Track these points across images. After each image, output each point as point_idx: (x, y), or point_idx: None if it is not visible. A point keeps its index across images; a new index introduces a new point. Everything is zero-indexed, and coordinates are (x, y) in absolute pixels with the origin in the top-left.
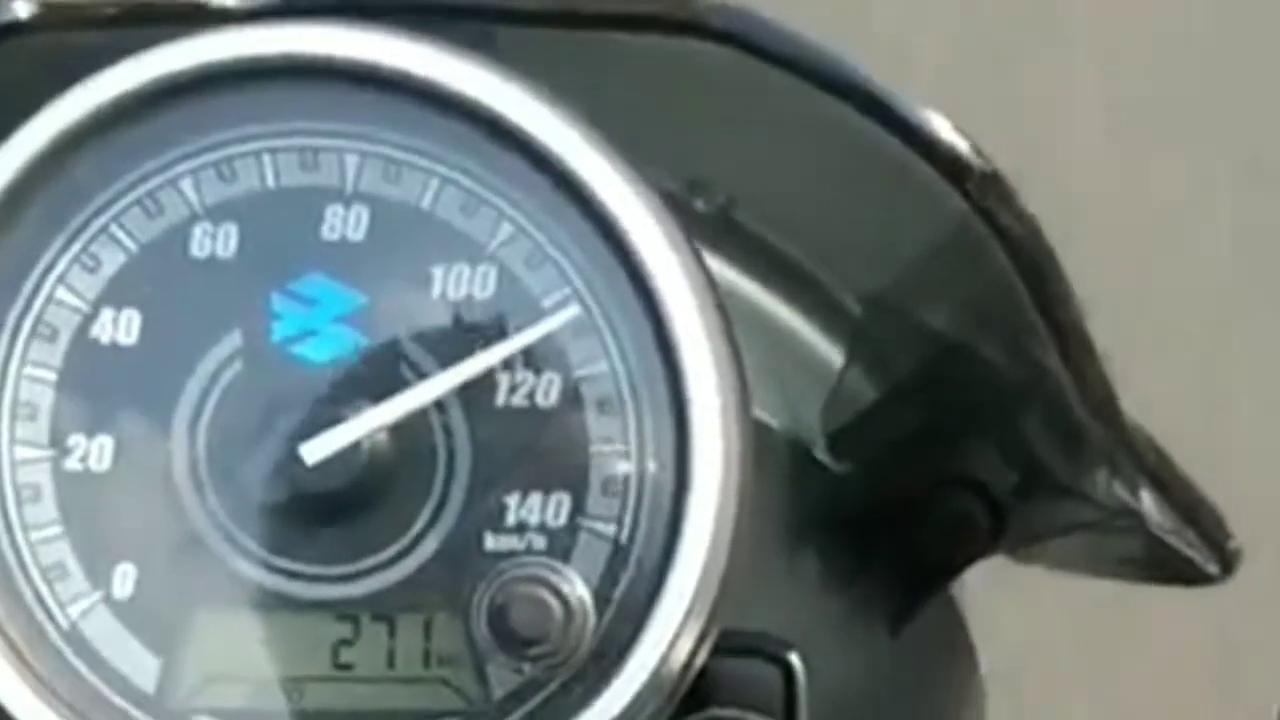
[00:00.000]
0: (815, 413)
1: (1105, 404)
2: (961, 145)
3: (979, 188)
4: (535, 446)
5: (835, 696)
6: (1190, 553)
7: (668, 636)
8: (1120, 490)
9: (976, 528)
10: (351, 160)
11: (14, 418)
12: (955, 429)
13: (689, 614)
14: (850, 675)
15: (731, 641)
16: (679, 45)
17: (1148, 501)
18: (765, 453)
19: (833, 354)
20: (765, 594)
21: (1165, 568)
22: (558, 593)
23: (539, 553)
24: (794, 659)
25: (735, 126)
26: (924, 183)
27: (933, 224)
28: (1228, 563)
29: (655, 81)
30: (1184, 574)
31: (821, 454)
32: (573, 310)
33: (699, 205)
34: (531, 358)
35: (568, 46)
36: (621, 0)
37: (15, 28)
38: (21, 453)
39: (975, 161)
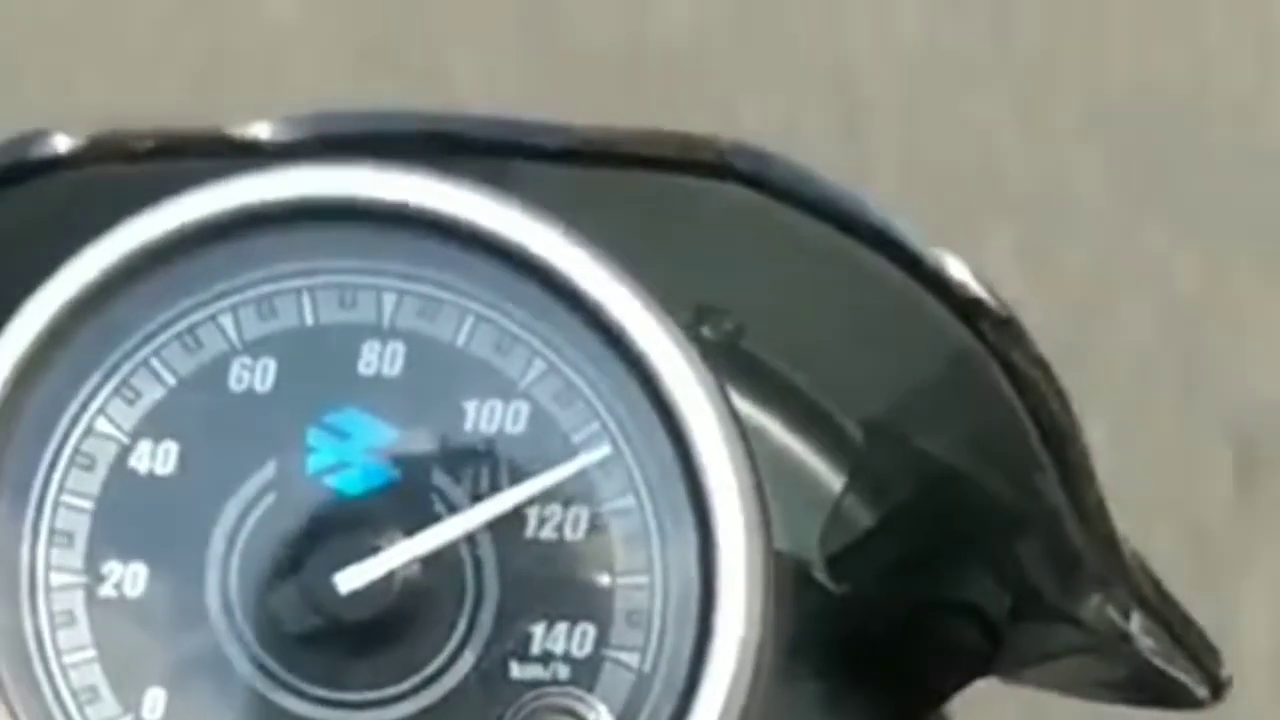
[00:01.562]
0: (815, 535)
1: (1105, 535)
2: (977, 289)
3: (994, 330)
4: (562, 578)
5: None
6: (1181, 677)
7: None
8: (1113, 614)
9: (971, 651)
10: (389, 298)
11: (50, 544)
12: (951, 554)
13: None
14: None
15: None
16: (696, 183)
17: (1139, 625)
18: None
19: (833, 479)
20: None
21: (1154, 691)
22: None
23: (564, 682)
24: None
25: (742, 254)
26: (930, 316)
27: (936, 355)
28: (1218, 687)
29: (664, 209)
30: (1173, 698)
31: (820, 575)
32: (603, 449)
33: (706, 332)
34: (561, 492)
35: (579, 178)
36: (647, 142)
37: (55, 162)
38: (57, 579)
39: (991, 304)
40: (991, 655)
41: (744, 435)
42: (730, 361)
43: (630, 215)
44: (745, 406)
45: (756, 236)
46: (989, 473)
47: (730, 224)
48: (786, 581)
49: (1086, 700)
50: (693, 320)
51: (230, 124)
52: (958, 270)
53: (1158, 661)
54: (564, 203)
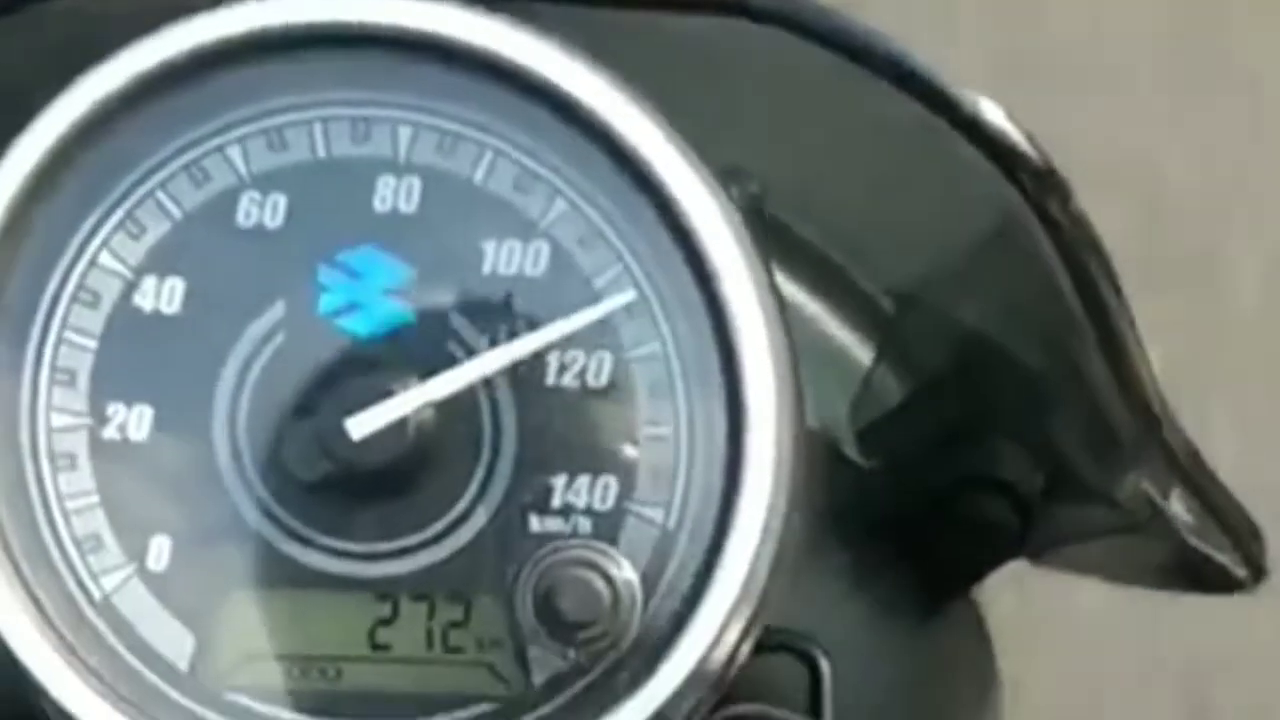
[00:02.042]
0: (844, 409)
1: (1147, 402)
2: (1016, 135)
3: (1032, 180)
4: (584, 427)
5: (859, 694)
6: (1219, 557)
7: (715, 627)
8: (1150, 491)
9: (1003, 529)
10: (405, 131)
11: (52, 383)
12: (984, 429)
13: (737, 605)
14: (874, 673)
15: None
16: (720, 30)
17: (1178, 504)
18: None
19: (862, 351)
20: (792, 589)
21: (1192, 574)
22: (606, 576)
23: (585, 536)
24: (820, 656)
25: (772, 116)
26: (965, 177)
27: (971, 220)
28: (1259, 570)
29: (693, 67)
30: (1211, 581)
31: (850, 451)
32: (628, 294)
33: (733, 194)
34: (582, 338)
35: (606, 28)
36: None
37: None
38: (58, 419)
39: (1029, 152)
40: (1023, 535)
41: (776, 290)
42: (755, 226)
43: (654, 74)
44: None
45: (784, 97)
46: (1025, 342)
47: (757, 84)
48: (816, 455)
49: (1119, 584)
50: (720, 181)
51: None
52: (994, 115)
53: (1195, 541)
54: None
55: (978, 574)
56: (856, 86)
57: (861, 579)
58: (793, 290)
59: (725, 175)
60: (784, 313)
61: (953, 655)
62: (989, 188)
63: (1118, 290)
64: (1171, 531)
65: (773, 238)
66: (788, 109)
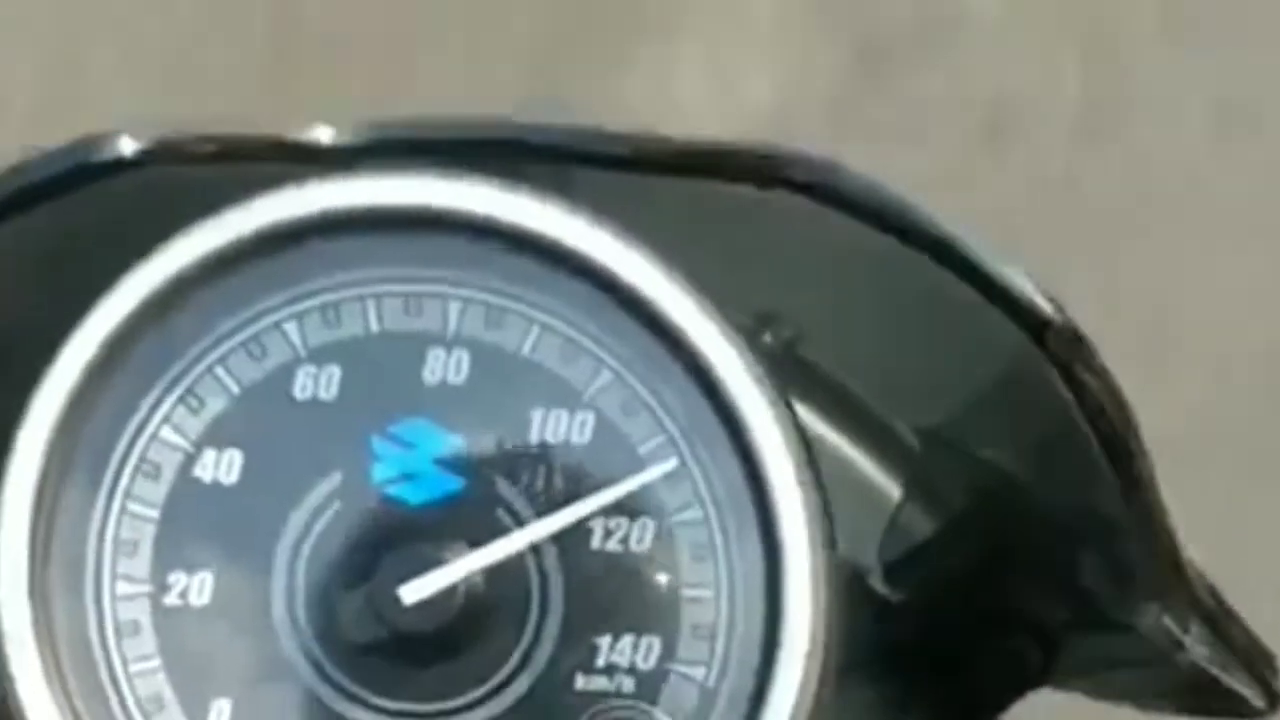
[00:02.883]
0: (872, 544)
1: (1167, 548)
2: (1043, 303)
3: (1060, 345)
4: (627, 590)
5: None
6: (1238, 687)
7: None
8: (1170, 625)
9: (1027, 662)
10: (454, 306)
11: (116, 554)
12: (1008, 564)
13: None
14: None
15: None
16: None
17: (1196, 636)
18: None
19: (890, 487)
20: None
21: (1210, 701)
22: None
23: (628, 695)
24: None
25: (800, 260)
26: (990, 326)
27: (995, 365)
28: (1275, 697)
29: (721, 215)
30: (1230, 708)
31: (877, 584)
32: (670, 461)
33: (767, 339)
34: (627, 504)
35: (639, 184)
36: (706, 152)
37: (121, 164)
38: (122, 588)
39: (1057, 319)
40: (1047, 665)
41: (809, 446)
42: (788, 369)
43: (686, 221)
44: (803, 414)
45: (814, 243)
46: (1048, 483)
47: (788, 230)
48: (845, 591)
49: (1141, 710)
50: (754, 327)
51: (290, 128)
52: (1024, 286)
53: (1214, 671)
54: (620, 209)
55: (1002, 704)
56: (878, 240)
57: (886, 711)
58: (823, 429)
59: (760, 320)
60: (818, 469)
61: None
62: (1013, 340)
63: (1140, 444)
64: (1190, 662)
65: (804, 379)
66: (819, 254)
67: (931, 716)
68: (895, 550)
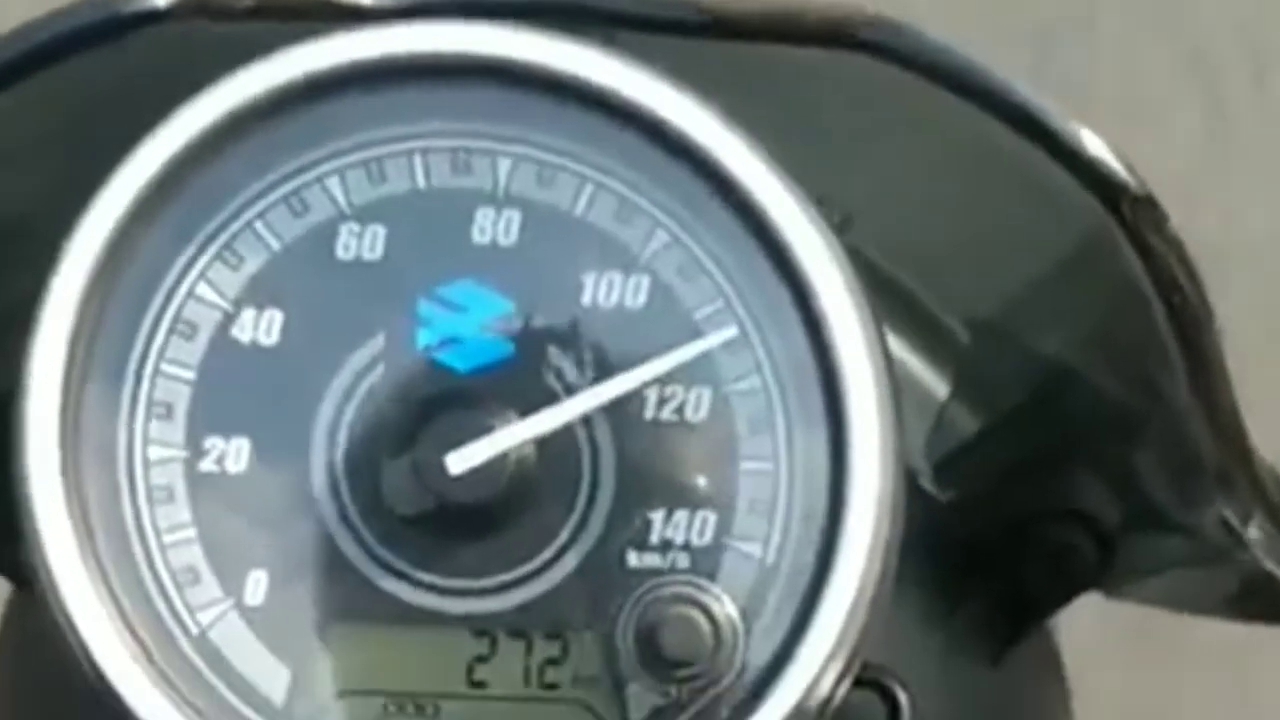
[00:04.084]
0: (920, 440)
1: (1235, 433)
2: (1117, 166)
3: (1133, 209)
4: (682, 462)
5: None
6: None
7: (816, 665)
8: (1231, 520)
9: (1081, 560)
10: (504, 163)
11: (149, 416)
12: (1063, 459)
13: (839, 642)
14: (950, 706)
15: None
16: (813, 56)
17: (1257, 532)
18: None
19: (937, 382)
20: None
21: (1266, 604)
22: (707, 613)
23: (683, 571)
24: (899, 691)
25: (853, 140)
26: (1053, 202)
27: (1057, 245)
28: None
29: (774, 90)
30: None
31: (926, 482)
32: (729, 329)
33: None
34: (682, 372)
35: (692, 54)
36: (780, 14)
37: (153, 15)
38: (155, 452)
39: (1131, 182)
40: (1100, 567)
41: (880, 326)
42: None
43: (740, 95)
44: None
45: (866, 119)
46: (1108, 372)
47: (838, 106)
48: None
49: (1192, 615)
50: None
51: None
52: (1096, 146)
53: (1272, 567)
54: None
55: (1053, 606)
56: (941, 111)
57: (937, 612)
58: None
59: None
60: (885, 340)
61: (1028, 687)
62: (1072, 214)
63: (1211, 318)
64: (1249, 560)
65: (852, 266)
66: (866, 132)
67: (981, 617)
68: (943, 447)
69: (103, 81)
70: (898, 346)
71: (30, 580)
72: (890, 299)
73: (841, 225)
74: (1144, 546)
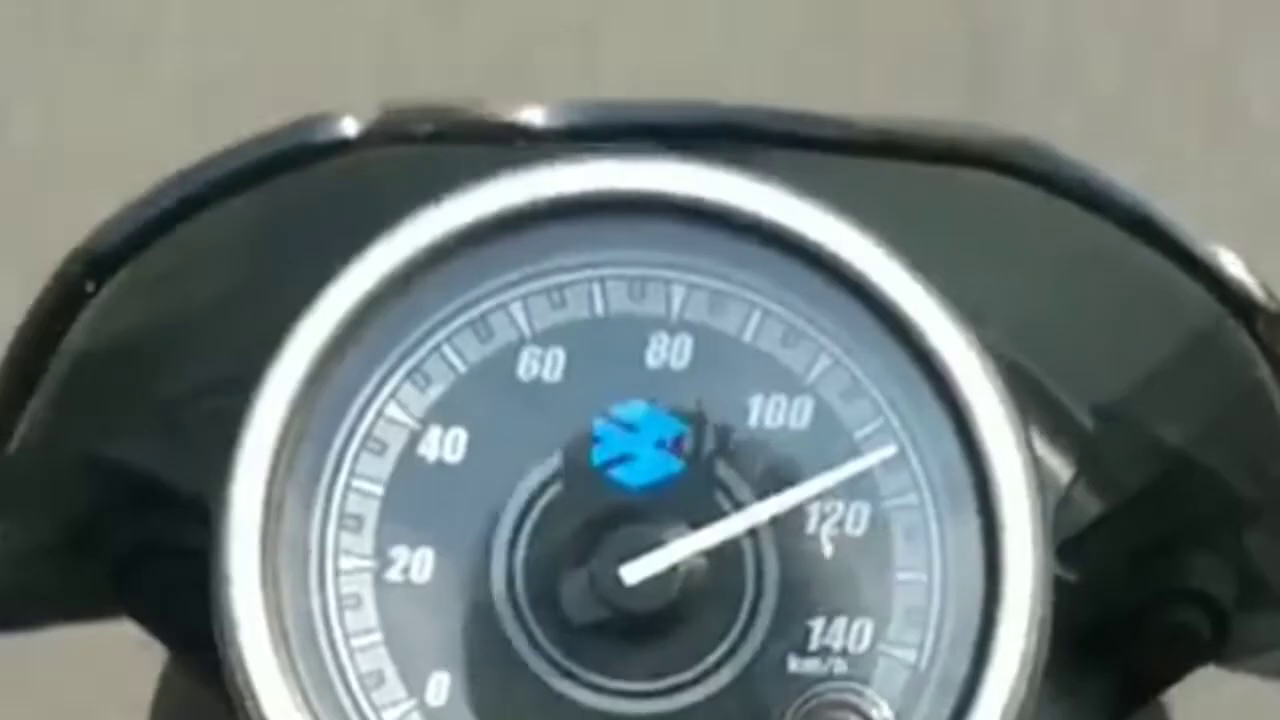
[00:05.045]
0: None
1: None
2: (1253, 285)
3: (1268, 327)
4: (841, 573)
5: None
6: None
7: None
8: None
9: (1198, 639)
10: (678, 290)
11: (340, 529)
12: (1182, 542)
13: None
14: None
15: None
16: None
17: None
18: None
19: (1061, 466)
20: None
21: None
22: (865, 717)
23: (841, 677)
24: None
25: (980, 237)
26: (1176, 300)
27: (1178, 340)
28: None
29: (908, 195)
30: None
31: (1052, 564)
32: (889, 447)
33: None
34: (843, 489)
35: (821, 166)
36: (931, 135)
37: (343, 144)
38: (345, 563)
39: (1265, 301)
40: (1218, 643)
41: (1028, 435)
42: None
43: (866, 203)
44: None
45: (994, 221)
46: (1226, 460)
47: (968, 208)
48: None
49: None
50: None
51: (507, 110)
52: (1233, 266)
53: None
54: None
55: (1168, 683)
56: (1070, 219)
57: (1058, 689)
58: None
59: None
60: (1034, 451)
61: None
62: (1199, 314)
63: None
64: None
65: None
66: (998, 231)
67: (1098, 695)
68: (1068, 530)
69: (287, 196)
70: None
71: (221, 676)
72: (1016, 384)
73: (971, 318)
74: (1259, 624)
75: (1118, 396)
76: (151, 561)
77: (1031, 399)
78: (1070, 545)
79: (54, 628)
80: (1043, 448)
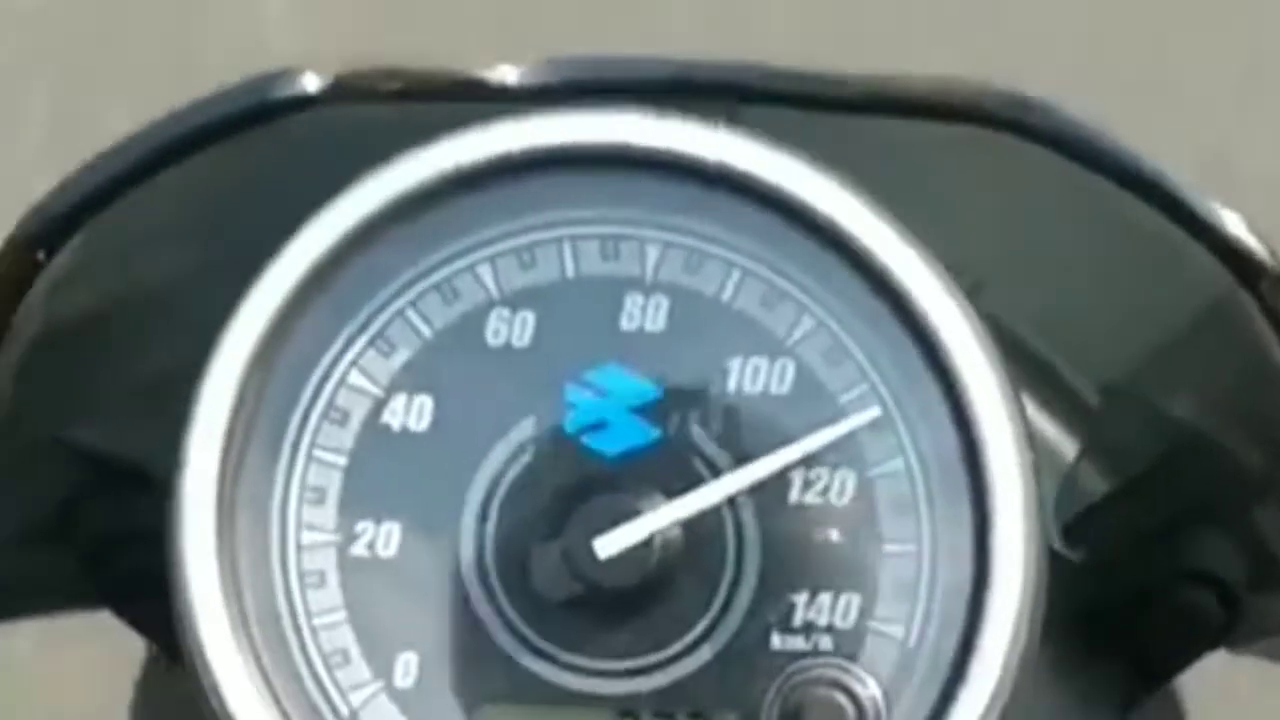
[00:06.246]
0: (1050, 502)
1: None
2: (1256, 245)
3: (1271, 288)
4: (826, 545)
5: None
6: None
7: None
8: None
9: (1208, 621)
10: (652, 250)
11: (301, 501)
12: (1191, 522)
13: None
14: None
15: None
16: (943, 130)
17: None
18: None
19: (1066, 444)
20: None
21: None
22: (851, 695)
23: (827, 653)
24: None
25: (984, 208)
26: (1185, 272)
27: (1188, 313)
28: None
29: (907, 159)
30: None
31: (1057, 544)
32: (873, 410)
33: None
34: (826, 455)
35: (808, 125)
36: (915, 90)
37: (303, 101)
38: (308, 537)
39: (1270, 263)
40: (1228, 626)
41: (1022, 405)
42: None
43: (873, 165)
44: None
45: (994, 187)
46: (1236, 436)
47: (966, 174)
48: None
49: None
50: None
51: (474, 67)
52: (1235, 225)
53: None
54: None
55: (1180, 665)
56: (1076, 185)
57: (1063, 672)
58: None
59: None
60: (1027, 419)
61: None
62: (1209, 286)
63: None
64: None
65: None
66: (999, 199)
67: (1107, 677)
68: (1073, 509)
69: (248, 162)
70: (1029, 408)
71: (180, 656)
72: (1021, 361)
73: (972, 291)
74: (1271, 605)
75: (1125, 371)
76: (126, 548)
77: (1037, 374)
78: (1076, 523)
79: (31, 619)
80: (1047, 423)
